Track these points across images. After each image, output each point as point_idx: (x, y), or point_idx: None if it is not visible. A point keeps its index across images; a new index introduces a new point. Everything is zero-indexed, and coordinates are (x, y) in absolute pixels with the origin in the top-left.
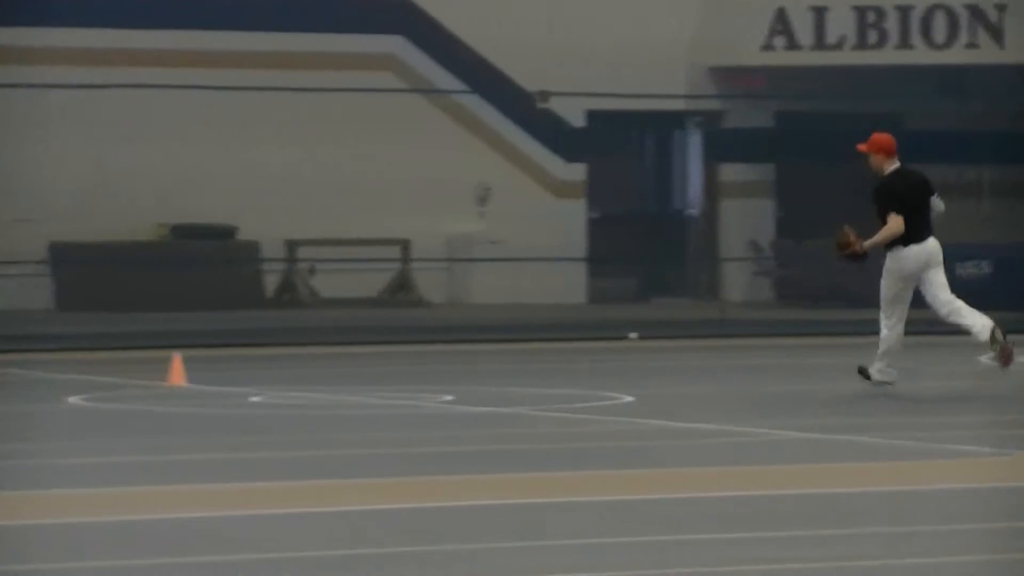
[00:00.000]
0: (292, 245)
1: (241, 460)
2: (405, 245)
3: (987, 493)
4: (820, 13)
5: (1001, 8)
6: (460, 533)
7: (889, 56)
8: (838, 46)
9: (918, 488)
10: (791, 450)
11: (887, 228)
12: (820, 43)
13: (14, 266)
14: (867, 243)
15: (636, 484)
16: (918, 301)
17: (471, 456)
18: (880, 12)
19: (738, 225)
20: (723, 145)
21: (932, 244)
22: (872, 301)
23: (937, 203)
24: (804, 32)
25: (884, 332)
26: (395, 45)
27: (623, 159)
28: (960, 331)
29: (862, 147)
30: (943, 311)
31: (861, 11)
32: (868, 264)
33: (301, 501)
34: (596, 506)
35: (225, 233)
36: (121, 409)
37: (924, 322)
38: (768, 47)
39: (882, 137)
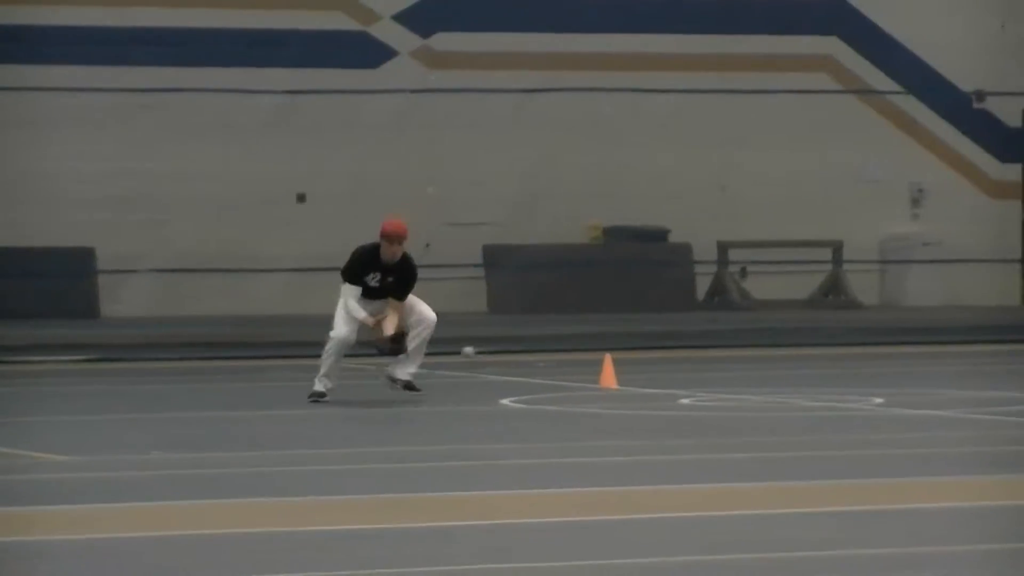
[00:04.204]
0: (724, 247)
1: (673, 462)
2: (838, 247)
3: None
4: None
5: None
6: (921, 536)
7: None
8: None
9: None
10: None
11: None
12: None
13: (451, 269)
14: None
15: None
16: None
17: (902, 459)
18: None
19: None
20: None
21: None
22: None
23: None
24: None
25: None
26: (830, 46)
27: None
28: None
29: None
30: None
31: None
32: None
33: (724, 504)
34: None
35: (658, 235)
36: (553, 411)
37: None
38: None
39: None
